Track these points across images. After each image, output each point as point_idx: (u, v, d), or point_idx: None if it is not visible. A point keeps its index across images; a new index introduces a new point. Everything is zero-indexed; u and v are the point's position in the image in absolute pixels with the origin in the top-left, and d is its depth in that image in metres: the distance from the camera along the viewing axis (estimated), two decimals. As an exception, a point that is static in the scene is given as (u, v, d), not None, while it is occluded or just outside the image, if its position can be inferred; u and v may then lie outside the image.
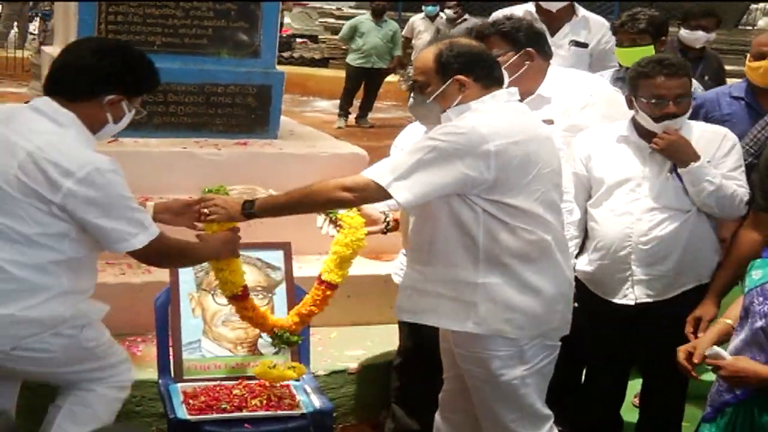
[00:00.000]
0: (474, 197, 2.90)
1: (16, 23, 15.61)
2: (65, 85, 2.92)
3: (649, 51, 4.40)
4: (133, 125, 4.57)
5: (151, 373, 3.77)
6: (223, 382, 3.59)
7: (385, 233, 3.67)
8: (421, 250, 3.07)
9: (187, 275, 3.69)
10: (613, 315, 3.68)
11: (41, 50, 6.30)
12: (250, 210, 3.10)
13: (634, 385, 4.13)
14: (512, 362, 3.02)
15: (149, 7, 5.06)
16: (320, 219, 3.55)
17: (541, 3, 4.78)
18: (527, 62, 3.66)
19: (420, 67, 3.06)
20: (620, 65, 4.69)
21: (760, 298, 2.77)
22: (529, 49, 3.67)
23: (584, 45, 4.80)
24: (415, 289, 3.08)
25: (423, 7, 13.55)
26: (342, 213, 3.50)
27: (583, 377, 4.08)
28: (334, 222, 3.52)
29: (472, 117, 2.95)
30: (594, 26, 4.88)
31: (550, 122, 3.70)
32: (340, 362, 4.22)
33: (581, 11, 4.86)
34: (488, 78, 3.04)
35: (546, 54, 3.80)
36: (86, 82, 2.91)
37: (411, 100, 3.14)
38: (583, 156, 3.72)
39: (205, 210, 3.19)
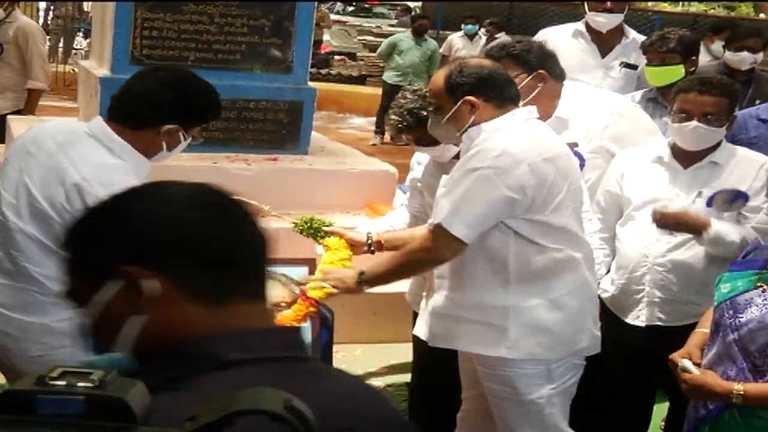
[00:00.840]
0: (508, 219, 2.88)
1: (62, 38, 15.87)
2: (130, 113, 2.93)
3: (678, 71, 4.34)
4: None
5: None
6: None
7: (372, 253, 3.66)
8: (449, 277, 3.05)
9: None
10: (629, 336, 3.62)
11: (78, 64, 6.35)
12: (364, 280, 3.10)
13: (662, 408, 4.06)
14: (539, 381, 2.99)
15: (184, 22, 5.11)
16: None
17: (590, 23, 4.74)
18: (540, 84, 3.61)
19: (432, 89, 3.07)
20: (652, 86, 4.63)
21: (731, 311, 2.73)
22: (541, 71, 3.61)
23: (634, 67, 4.72)
24: (447, 315, 3.04)
25: (462, 26, 13.60)
26: (325, 240, 3.58)
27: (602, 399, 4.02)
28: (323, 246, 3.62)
29: (499, 137, 2.91)
30: None
31: (574, 145, 3.68)
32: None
33: (632, 33, 4.79)
34: (500, 98, 2.99)
35: (559, 75, 3.73)
36: (152, 112, 2.93)
37: (429, 120, 3.13)
38: (617, 175, 3.68)
39: (325, 284, 3.18)
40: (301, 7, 5.28)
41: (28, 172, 2.90)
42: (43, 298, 2.88)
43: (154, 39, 5.07)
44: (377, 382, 4.18)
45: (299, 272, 3.82)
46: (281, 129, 5.26)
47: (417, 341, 3.76)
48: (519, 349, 2.94)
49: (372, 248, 3.63)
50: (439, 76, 3.04)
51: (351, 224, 4.00)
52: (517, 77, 3.50)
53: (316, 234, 3.63)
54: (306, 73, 5.38)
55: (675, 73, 4.30)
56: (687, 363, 2.83)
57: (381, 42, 14.47)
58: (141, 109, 2.93)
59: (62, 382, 1.42)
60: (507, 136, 2.91)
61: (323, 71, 16.52)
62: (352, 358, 4.37)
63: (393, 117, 3.52)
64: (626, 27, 4.81)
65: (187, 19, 5.11)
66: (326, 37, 20.43)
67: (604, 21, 4.65)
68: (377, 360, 4.32)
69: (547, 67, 3.62)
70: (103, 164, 2.87)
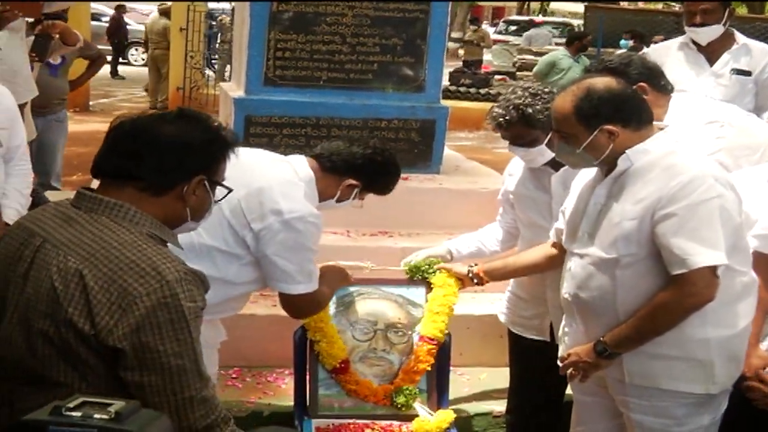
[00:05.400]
0: None
1: (228, 63, 16.39)
2: (333, 162, 3.30)
3: None
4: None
5: (292, 407, 3.75)
6: (358, 420, 3.53)
7: (480, 284, 3.68)
8: (631, 312, 2.78)
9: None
10: None
11: (220, 86, 6.53)
12: (606, 351, 2.82)
13: None
14: (701, 410, 2.81)
15: (316, 43, 5.14)
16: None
17: (690, 35, 4.55)
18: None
19: (560, 119, 2.81)
20: None
21: None
22: (642, 84, 3.46)
23: (747, 73, 4.50)
24: (645, 353, 2.80)
25: (620, 42, 13.28)
26: (432, 277, 3.69)
27: None
28: (426, 283, 3.73)
29: (685, 161, 2.74)
30: (757, 53, 4.57)
31: None
32: (485, 404, 4.07)
33: (742, 39, 4.57)
34: (639, 121, 2.80)
35: (664, 89, 3.61)
36: (348, 168, 3.29)
37: (557, 147, 2.90)
38: None
39: (572, 370, 2.95)
40: (433, 25, 5.22)
41: None
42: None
43: (287, 60, 5.11)
44: (498, 407, 4.03)
45: (417, 293, 3.76)
46: (413, 148, 5.21)
47: (512, 365, 3.81)
48: (720, 384, 2.79)
49: (476, 281, 3.60)
50: (566, 105, 2.79)
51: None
52: None
53: (426, 275, 3.71)
54: (439, 91, 5.32)
55: None
56: None
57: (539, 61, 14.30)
58: (345, 165, 3.29)
59: (78, 413, 1.43)
60: (694, 160, 2.76)
61: (482, 91, 16.43)
62: (476, 381, 4.25)
63: (496, 110, 3.42)
64: (737, 33, 4.58)
65: (320, 40, 5.13)
66: (487, 56, 20.37)
67: (699, 35, 4.47)
68: (502, 384, 4.17)
69: (648, 80, 3.48)
70: (289, 181, 3.16)
